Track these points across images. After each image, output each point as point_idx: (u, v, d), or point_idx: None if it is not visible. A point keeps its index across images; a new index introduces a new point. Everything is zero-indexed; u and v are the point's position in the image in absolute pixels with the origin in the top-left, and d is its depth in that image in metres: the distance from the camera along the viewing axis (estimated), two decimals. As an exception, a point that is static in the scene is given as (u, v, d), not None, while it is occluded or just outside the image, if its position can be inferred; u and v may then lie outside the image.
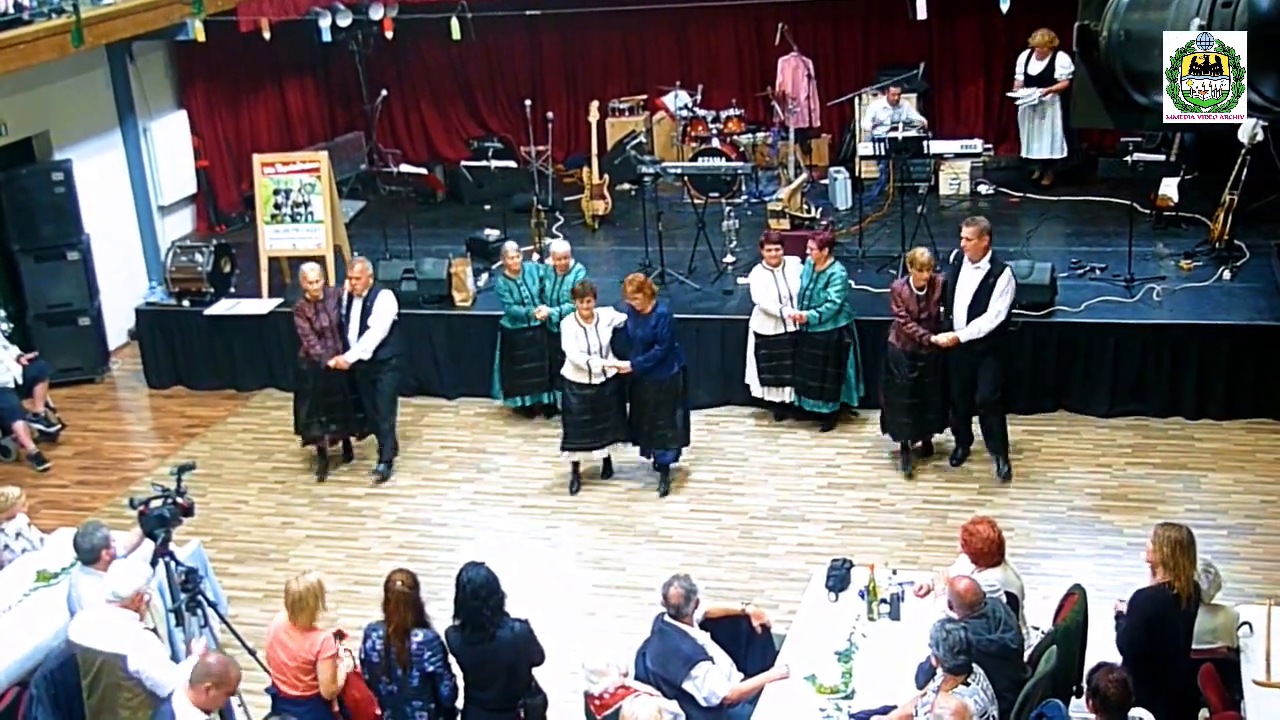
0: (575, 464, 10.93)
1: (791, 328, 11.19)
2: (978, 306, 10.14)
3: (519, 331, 11.67)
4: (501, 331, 11.85)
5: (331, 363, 10.88)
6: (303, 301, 11.04)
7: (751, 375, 11.64)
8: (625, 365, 10.51)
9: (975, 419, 10.69)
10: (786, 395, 11.57)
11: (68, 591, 7.85)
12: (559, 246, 11.75)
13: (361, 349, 10.91)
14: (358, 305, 10.97)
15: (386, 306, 11.04)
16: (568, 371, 10.70)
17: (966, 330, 10.17)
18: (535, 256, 13.24)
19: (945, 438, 10.93)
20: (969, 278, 10.19)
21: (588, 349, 10.51)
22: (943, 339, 10.23)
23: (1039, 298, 11.41)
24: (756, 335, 11.47)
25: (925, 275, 10.25)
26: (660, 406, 10.59)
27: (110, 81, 14.14)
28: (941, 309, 10.33)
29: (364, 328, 10.93)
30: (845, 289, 11.13)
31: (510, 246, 11.84)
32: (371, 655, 6.98)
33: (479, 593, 6.84)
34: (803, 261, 11.23)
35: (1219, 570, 7.38)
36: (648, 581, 9.15)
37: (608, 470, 11.10)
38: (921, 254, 10.34)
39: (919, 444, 10.91)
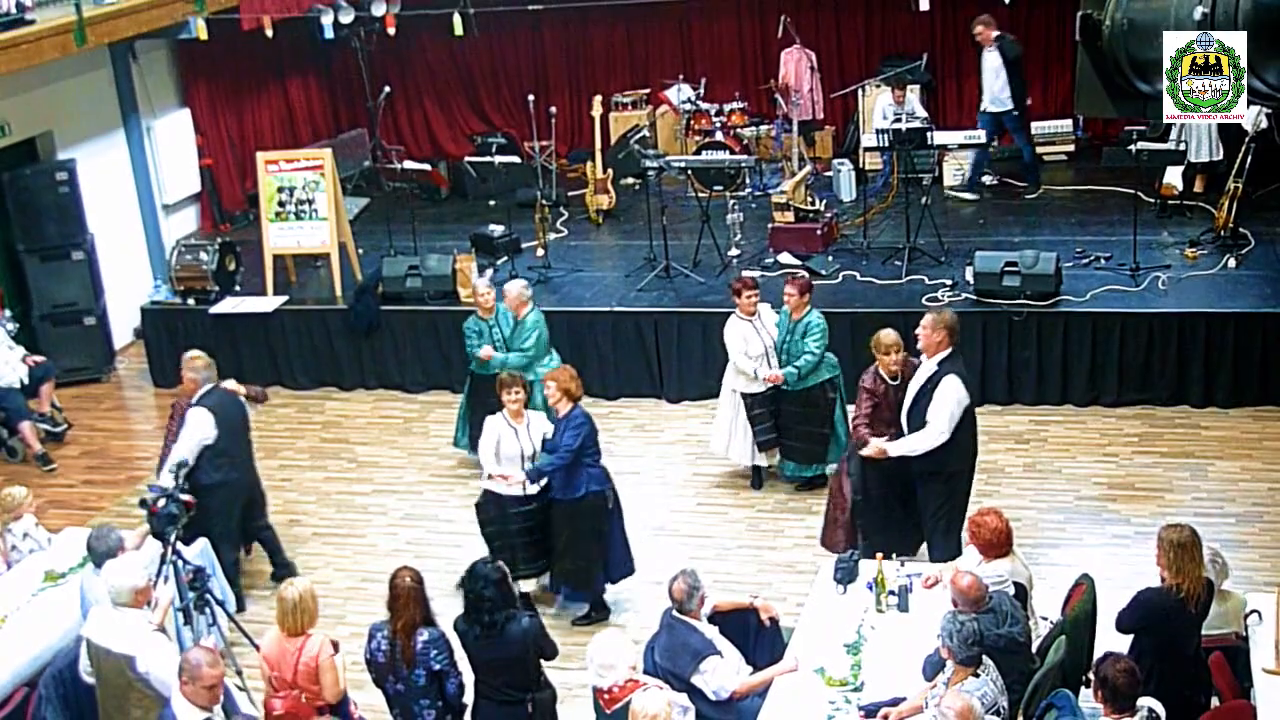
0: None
1: (762, 387, 10.08)
2: (915, 414, 8.31)
3: (488, 378, 9.86)
4: (470, 375, 10.86)
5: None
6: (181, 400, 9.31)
7: (722, 436, 10.40)
8: (516, 477, 8.58)
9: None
10: (766, 460, 10.39)
11: (80, 593, 7.87)
12: (511, 287, 10.54)
13: (162, 479, 8.57)
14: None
15: (191, 426, 8.89)
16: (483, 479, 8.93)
17: (897, 444, 8.37)
18: (540, 252, 13.25)
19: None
20: (920, 375, 8.40)
21: (500, 455, 8.65)
22: (869, 449, 8.45)
23: (1044, 288, 11.40)
24: (736, 393, 10.22)
25: (894, 359, 8.50)
26: (571, 535, 8.75)
27: (113, 81, 14.16)
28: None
29: None
30: (824, 339, 9.92)
31: (481, 284, 10.76)
32: (377, 655, 6.95)
33: (491, 586, 6.85)
34: (777, 310, 10.25)
35: (1226, 558, 7.39)
36: (655, 575, 9.15)
37: None
38: (886, 335, 8.56)
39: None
